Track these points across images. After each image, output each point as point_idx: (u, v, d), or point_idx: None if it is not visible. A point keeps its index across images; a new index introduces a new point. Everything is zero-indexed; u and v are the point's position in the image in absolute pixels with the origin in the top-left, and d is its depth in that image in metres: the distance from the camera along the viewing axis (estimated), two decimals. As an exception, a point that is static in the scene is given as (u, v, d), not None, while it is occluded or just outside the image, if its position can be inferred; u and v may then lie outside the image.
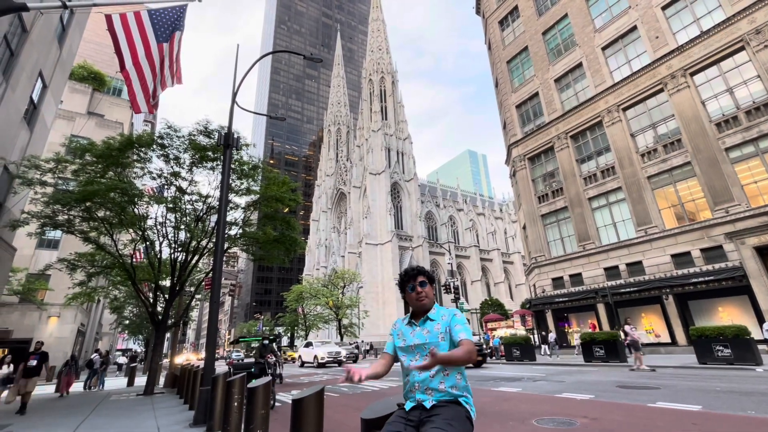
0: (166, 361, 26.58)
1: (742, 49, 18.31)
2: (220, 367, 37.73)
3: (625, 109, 22.62)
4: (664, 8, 21.57)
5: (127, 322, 38.11)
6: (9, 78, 12.54)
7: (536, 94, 28.50)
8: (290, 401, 3.36)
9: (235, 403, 5.85)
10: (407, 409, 2.23)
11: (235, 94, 10.15)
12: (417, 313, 2.50)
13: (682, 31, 20.75)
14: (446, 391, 2.20)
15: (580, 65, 25.65)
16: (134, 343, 63.45)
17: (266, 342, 10.92)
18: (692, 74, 19.89)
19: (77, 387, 19.44)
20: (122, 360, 46.33)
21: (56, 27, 16.17)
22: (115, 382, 22.84)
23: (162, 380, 19.85)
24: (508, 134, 30.81)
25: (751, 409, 6.58)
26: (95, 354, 20.09)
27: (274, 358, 10.53)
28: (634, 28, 22.82)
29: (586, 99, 24.72)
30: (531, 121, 28.91)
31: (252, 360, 12.12)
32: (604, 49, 24.31)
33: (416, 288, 2.45)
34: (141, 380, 19.97)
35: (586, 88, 25.12)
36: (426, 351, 2.29)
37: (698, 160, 18.98)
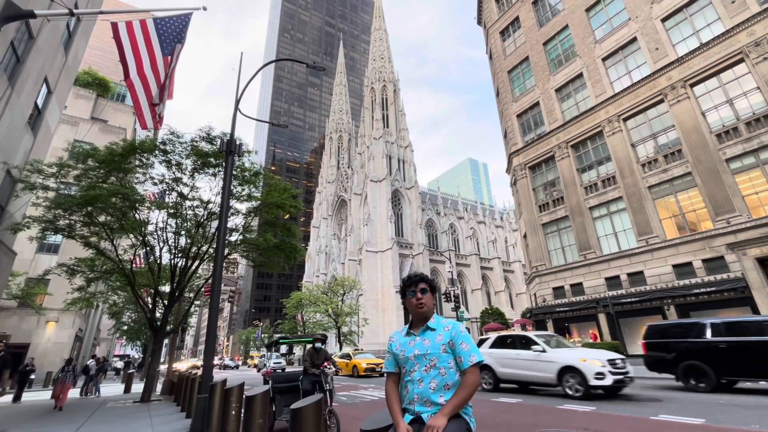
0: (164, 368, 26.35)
1: (741, 61, 18.44)
2: (236, 375, 36.06)
3: (625, 120, 22.72)
4: (663, 20, 21.78)
5: (125, 327, 37.93)
6: (14, 83, 12.66)
7: (537, 104, 28.66)
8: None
9: (233, 412, 5.79)
10: (407, 422, 2.20)
11: (237, 102, 10.22)
12: (416, 321, 2.47)
13: (682, 42, 20.93)
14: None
15: (580, 75, 25.84)
16: (132, 349, 63.10)
17: (319, 345, 7.96)
18: (692, 85, 20.01)
19: (73, 393, 19.28)
20: (119, 365, 46.04)
21: (62, 34, 16.37)
22: (111, 388, 22.65)
23: (159, 387, 19.69)
24: (509, 143, 30.92)
25: (755, 423, 6.50)
26: (91, 360, 19.93)
27: (333, 368, 7.55)
28: (634, 39, 23.02)
29: (586, 109, 24.84)
30: (532, 131, 29.03)
31: (298, 369, 9.06)
32: (604, 59, 24.50)
33: (417, 294, 2.43)
34: (138, 387, 19.81)
35: (586, 98, 25.26)
36: (427, 361, 2.26)
37: (699, 170, 19.00)
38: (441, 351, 2.26)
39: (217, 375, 26.84)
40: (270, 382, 7.85)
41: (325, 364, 7.50)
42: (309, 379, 7.38)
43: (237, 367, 53.08)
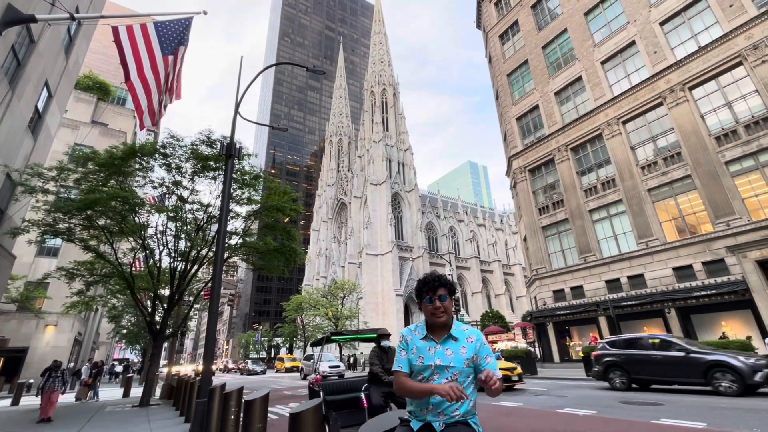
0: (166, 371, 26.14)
1: (739, 64, 18.50)
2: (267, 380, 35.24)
3: (624, 122, 22.76)
4: (662, 24, 21.87)
5: (124, 331, 37.83)
6: (15, 87, 12.70)
7: (536, 107, 28.73)
8: (287, 415, 3.30)
9: (232, 416, 5.76)
10: (415, 429, 2.16)
11: (238, 105, 10.24)
12: (433, 326, 2.28)
13: (680, 46, 21.01)
14: (458, 417, 2.12)
15: (579, 79, 25.91)
16: (131, 353, 62.81)
17: (387, 343, 6.24)
18: (691, 88, 20.07)
19: (69, 398, 19.17)
20: (118, 369, 45.88)
21: (63, 38, 16.44)
22: (110, 392, 22.55)
23: (158, 391, 19.60)
24: (509, 146, 30.96)
25: (756, 426, 6.46)
26: (87, 363, 19.81)
27: None
28: (633, 42, 23.10)
29: (586, 112, 24.90)
30: (531, 134, 29.08)
31: (360, 377, 6.70)
32: (603, 63, 24.58)
33: (434, 301, 2.22)
34: (137, 391, 19.72)
35: (586, 101, 25.32)
36: (449, 374, 2.12)
37: (698, 173, 19.02)
38: (465, 365, 2.14)
39: (243, 381, 25.35)
40: (321, 393, 5.90)
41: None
42: (379, 390, 5.52)
43: (264, 371, 42.91)
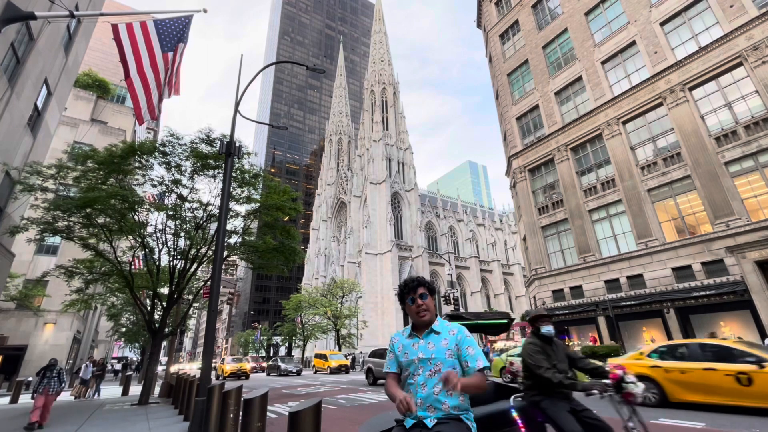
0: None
1: (740, 64, 18.49)
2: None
3: (624, 123, 22.76)
4: (662, 24, 21.87)
5: (123, 329, 37.75)
6: (14, 85, 12.67)
7: (536, 107, 28.72)
8: (287, 414, 3.29)
9: (231, 415, 5.76)
10: (408, 426, 2.18)
11: (237, 104, 10.23)
12: (418, 325, 2.40)
13: (681, 46, 21.00)
14: (448, 411, 2.15)
15: (579, 79, 25.90)
16: (130, 351, 62.71)
17: (550, 330, 3.94)
18: (691, 89, 20.06)
19: (66, 396, 19.14)
20: (117, 367, 45.86)
21: (63, 35, 16.40)
22: (109, 390, 22.54)
23: (157, 389, 19.61)
24: (509, 146, 30.96)
25: (756, 426, 6.47)
26: (87, 362, 19.80)
27: (640, 383, 3.37)
28: (633, 43, 23.10)
29: (586, 112, 24.88)
30: (531, 133, 29.07)
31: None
32: (603, 63, 24.57)
33: (416, 300, 2.34)
34: (136, 389, 19.72)
35: (586, 101, 25.31)
36: (431, 366, 2.20)
37: (698, 173, 19.03)
38: (446, 356, 2.21)
39: (275, 384, 21.02)
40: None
41: (617, 371, 3.42)
42: (562, 407, 3.37)
43: (299, 372, 32.81)
